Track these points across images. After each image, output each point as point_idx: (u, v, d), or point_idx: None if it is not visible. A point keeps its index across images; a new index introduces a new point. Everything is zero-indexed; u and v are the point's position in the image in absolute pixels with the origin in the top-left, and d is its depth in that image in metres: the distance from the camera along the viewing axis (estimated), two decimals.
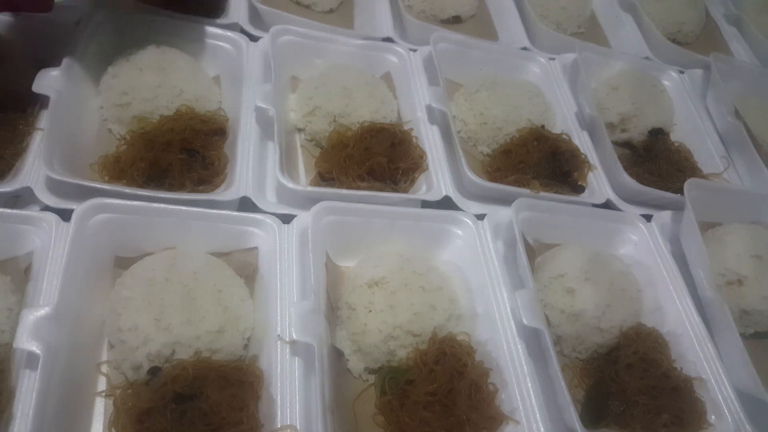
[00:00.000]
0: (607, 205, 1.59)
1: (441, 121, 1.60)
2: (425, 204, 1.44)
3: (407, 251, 1.35)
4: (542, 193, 1.50)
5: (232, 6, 1.71)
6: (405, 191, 1.47)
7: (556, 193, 1.53)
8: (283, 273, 1.20)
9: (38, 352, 0.93)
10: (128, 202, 1.18)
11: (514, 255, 1.35)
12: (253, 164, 1.37)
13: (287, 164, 1.38)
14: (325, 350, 1.08)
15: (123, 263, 1.20)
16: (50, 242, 1.12)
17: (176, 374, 1.03)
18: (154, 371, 1.05)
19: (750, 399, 1.27)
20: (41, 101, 1.34)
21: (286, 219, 1.29)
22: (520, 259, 1.28)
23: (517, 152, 1.60)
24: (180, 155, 1.32)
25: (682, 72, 2.07)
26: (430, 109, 1.61)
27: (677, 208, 1.55)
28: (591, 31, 2.23)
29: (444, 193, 1.44)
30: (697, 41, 2.34)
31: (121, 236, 1.19)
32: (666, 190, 1.61)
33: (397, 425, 1.12)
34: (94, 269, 1.14)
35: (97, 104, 1.42)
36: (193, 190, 1.30)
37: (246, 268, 1.25)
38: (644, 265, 1.48)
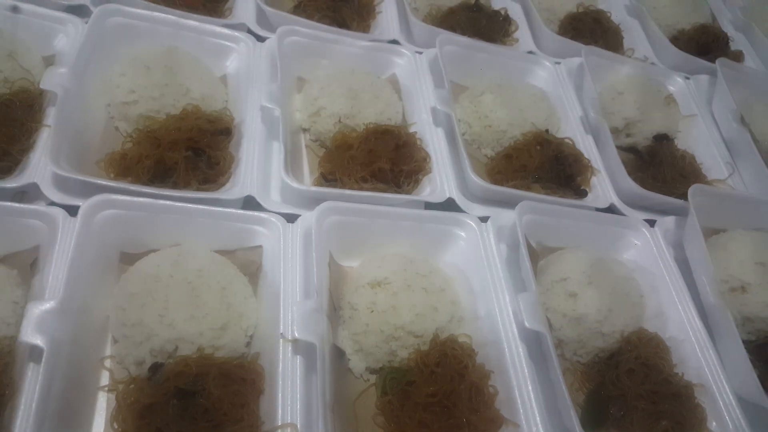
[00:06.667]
0: (611, 209, 1.59)
1: (446, 123, 1.61)
2: (429, 206, 1.45)
3: (410, 252, 1.36)
4: (546, 197, 1.50)
5: (239, 7, 1.73)
6: (408, 193, 1.48)
7: (559, 197, 1.54)
8: (286, 272, 1.21)
9: (42, 345, 0.94)
10: (134, 199, 1.19)
11: (516, 258, 1.35)
12: (258, 163, 1.38)
13: (292, 164, 1.38)
14: (327, 349, 1.09)
15: (128, 259, 1.21)
16: (57, 237, 1.13)
17: (179, 371, 1.04)
18: (155, 368, 1.06)
19: (751, 406, 1.27)
20: (49, 98, 1.35)
21: (290, 218, 1.30)
22: (523, 262, 1.28)
23: (519, 156, 1.60)
24: (186, 154, 1.33)
25: (687, 78, 2.07)
26: (435, 112, 1.61)
27: (681, 213, 1.55)
28: None
29: (447, 195, 1.45)
30: None
31: (126, 232, 1.20)
32: (670, 196, 1.61)
33: (398, 426, 1.12)
34: (99, 265, 1.14)
35: (104, 102, 1.43)
36: (198, 189, 1.31)
37: (250, 266, 1.26)
38: (647, 270, 1.48)
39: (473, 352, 1.22)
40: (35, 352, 0.97)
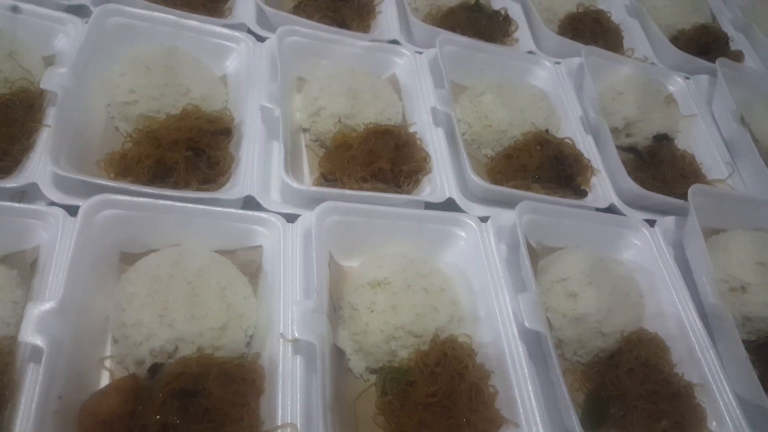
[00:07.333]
0: (611, 209, 1.59)
1: (446, 123, 1.61)
2: (429, 205, 1.45)
3: (410, 252, 1.36)
4: (546, 197, 1.50)
5: (240, 7, 1.73)
6: (408, 193, 1.48)
7: (559, 197, 1.54)
8: (286, 272, 1.21)
9: (42, 345, 0.94)
10: (135, 199, 1.19)
11: (517, 258, 1.35)
12: (258, 163, 1.38)
13: (292, 164, 1.39)
14: (327, 349, 1.09)
15: (128, 259, 1.21)
16: (57, 237, 1.13)
17: (179, 372, 1.04)
18: (154, 369, 1.06)
19: (751, 406, 1.27)
20: (49, 98, 1.35)
21: (290, 218, 1.30)
22: (523, 262, 1.28)
23: (519, 157, 1.60)
24: (186, 154, 1.33)
25: (688, 78, 2.07)
26: (435, 112, 1.61)
27: (681, 213, 1.55)
28: None
29: (447, 195, 1.45)
30: None
31: (126, 232, 1.20)
32: (670, 196, 1.61)
33: (398, 426, 1.13)
34: (99, 264, 1.14)
35: (104, 102, 1.43)
36: (198, 189, 1.31)
37: (250, 266, 1.26)
38: (647, 270, 1.48)
39: (473, 352, 1.22)
40: (35, 352, 0.97)
